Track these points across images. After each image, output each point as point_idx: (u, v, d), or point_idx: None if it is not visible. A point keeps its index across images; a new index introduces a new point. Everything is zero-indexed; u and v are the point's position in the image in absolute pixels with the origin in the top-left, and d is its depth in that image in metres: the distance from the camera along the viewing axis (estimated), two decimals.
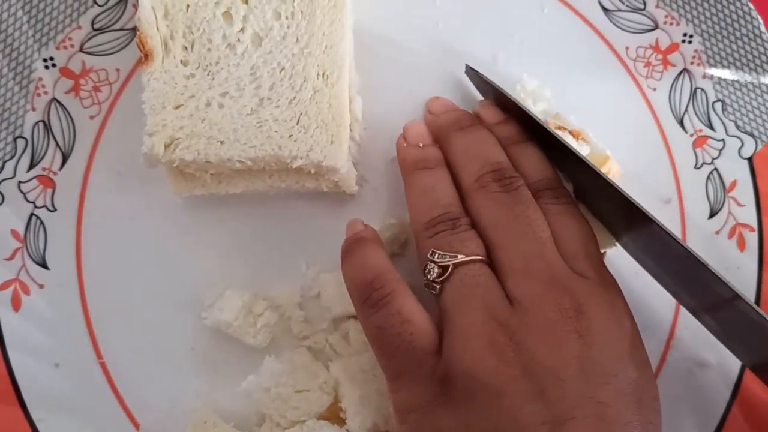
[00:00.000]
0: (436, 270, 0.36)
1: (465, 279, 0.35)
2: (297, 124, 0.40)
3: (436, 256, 0.36)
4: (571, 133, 0.43)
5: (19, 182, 0.44)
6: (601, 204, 0.41)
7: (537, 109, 0.45)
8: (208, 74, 0.40)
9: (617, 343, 0.34)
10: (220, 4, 0.41)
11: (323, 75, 0.41)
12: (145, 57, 0.40)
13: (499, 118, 0.43)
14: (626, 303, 0.37)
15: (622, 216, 0.39)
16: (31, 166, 0.45)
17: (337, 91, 0.41)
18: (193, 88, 0.40)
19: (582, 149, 0.42)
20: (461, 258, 0.35)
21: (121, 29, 0.46)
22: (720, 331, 0.40)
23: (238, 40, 0.41)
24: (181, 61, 0.40)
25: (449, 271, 0.35)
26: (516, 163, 0.40)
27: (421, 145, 0.42)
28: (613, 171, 0.45)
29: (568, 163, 0.41)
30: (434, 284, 0.36)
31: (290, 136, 0.40)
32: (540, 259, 0.35)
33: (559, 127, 0.43)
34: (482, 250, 0.36)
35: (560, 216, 0.38)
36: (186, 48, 0.41)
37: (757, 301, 0.47)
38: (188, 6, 0.41)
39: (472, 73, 0.44)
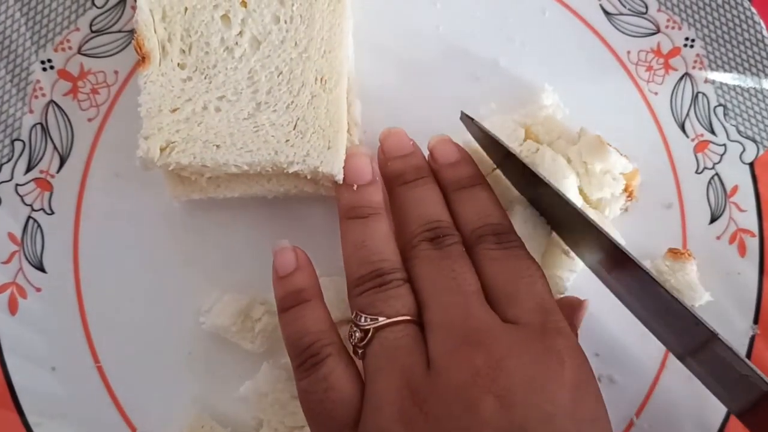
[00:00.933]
0: (357, 334, 0.34)
1: (385, 343, 0.33)
2: (294, 129, 0.40)
3: (360, 319, 0.34)
4: (616, 149, 0.43)
5: (17, 185, 0.44)
6: (584, 245, 0.40)
7: (558, 117, 0.45)
8: (205, 78, 0.40)
9: (547, 400, 0.30)
10: (218, 8, 0.40)
11: (321, 80, 0.40)
12: (142, 59, 0.39)
13: (453, 158, 0.41)
14: (576, 346, 0.33)
15: (604, 256, 0.39)
16: (29, 169, 0.44)
17: (335, 97, 0.40)
18: (190, 91, 0.40)
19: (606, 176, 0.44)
20: (382, 321, 0.33)
21: (119, 31, 0.45)
22: (704, 375, 0.38)
23: (236, 43, 0.40)
24: (178, 64, 0.40)
25: (369, 334, 0.34)
26: (460, 209, 0.39)
27: (354, 187, 0.39)
28: (636, 183, 0.46)
29: (557, 207, 0.40)
30: (357, 349, 0.34)
31: (287, 141, 0.39)
32: (461, 313, 0.33)
33: (601, 143, 0.43)
34: (411, 309, 0.34)
35: (500, 261, 0.36)
36: (183, 51, 0.40)
37: (758, 306, 0.46)
38: (186, 9, 0.40)
39: (468, 120, 0.42)
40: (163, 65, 0.40)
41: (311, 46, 0.40)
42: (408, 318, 0.34)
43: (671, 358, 0.45)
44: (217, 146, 0.39)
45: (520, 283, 0.35)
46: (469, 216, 0.38)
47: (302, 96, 0.40)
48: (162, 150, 0.39)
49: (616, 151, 0.44)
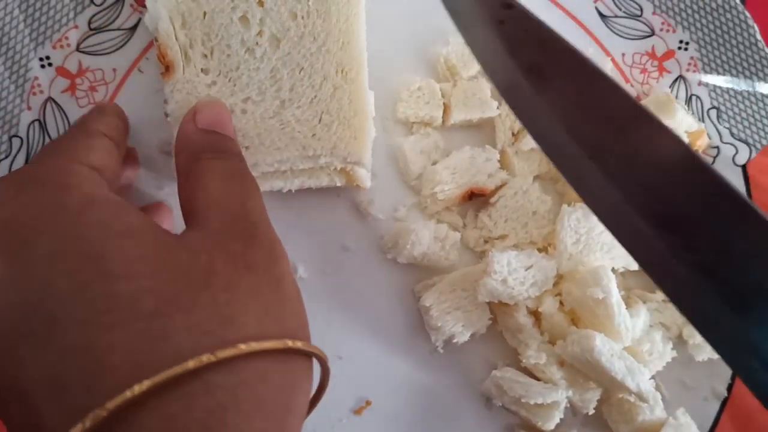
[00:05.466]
0: None
1: None
2: (319, 122, 0.40)
3: None
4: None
5: None
6: None
7: None
8: (229, 80, 0.40)
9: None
10: (236, 9, 0.40)
11: (342, 72, 0.41)
12: (166, 69, 0.39)
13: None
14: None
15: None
16: None
17: (356, 87, 0.41)
18: (216, 95, 0.40)
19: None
20: None
21: (118, 29, 0.45)
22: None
23: (257, 43, 0.41)
24: (201, 69, 0.40)
25: None
26: None
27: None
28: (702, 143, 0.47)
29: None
30: None
31: (313, 135, 0.40)
32: None
33: (669, 100, 0.45)
34: None
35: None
36: (206, 56, 0.40)
37: None
38: (205, 13, 0.40)
39: None
40: (187, 72, 0.40)
41: (330, 39, 0.41)
42: None
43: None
44: (246, 147, 0.39)
45: None
46: None
47: (324, 89, 0.41)
48: None
49: (684, 109, 0.45)
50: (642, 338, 0.45)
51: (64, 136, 0.38)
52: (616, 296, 0.42)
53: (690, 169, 0.29)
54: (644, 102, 0.47)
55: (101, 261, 0.27)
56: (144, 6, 0.45)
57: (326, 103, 0.41)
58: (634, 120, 0.31)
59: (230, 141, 0.37)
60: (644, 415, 0.43)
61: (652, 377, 0.45)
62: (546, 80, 0.33)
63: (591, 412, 0.44)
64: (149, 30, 0.41)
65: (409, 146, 0.46)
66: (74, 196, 0.30)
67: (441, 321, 0.44)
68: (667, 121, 0.44)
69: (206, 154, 0.35)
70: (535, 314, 0.45)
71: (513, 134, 0.47)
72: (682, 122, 0.46)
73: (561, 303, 0.45)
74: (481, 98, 0.47)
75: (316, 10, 0.41)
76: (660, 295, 0.46)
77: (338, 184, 0.43)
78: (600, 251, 0.44)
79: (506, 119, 0.47)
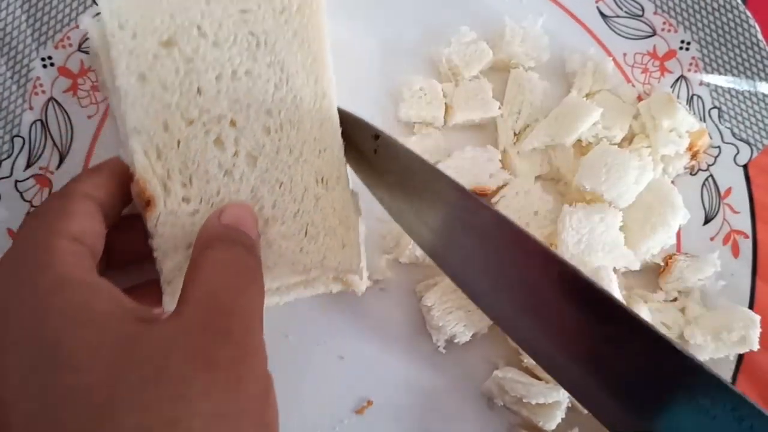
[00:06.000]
0: None
1: None
2: (305, 236, 0.39)
3: None
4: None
5: (16, 181, 0.44)
6: None
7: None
8: (211, 206, 0.39)
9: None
10: (209, 133, 0.39)
11: (322, 180, 0.40)
12: (147, 204, 0.38)
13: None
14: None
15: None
16: (28, 165, 0.44)
17: (338, 194, 0.40)
18: (200, 223, 0.38)
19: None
20: None
21: None
22: None
23: (234, 164, 0.39)
24: (182, 198, 0.39)
25: None
26: None
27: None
28: (703, 143, 0.47)
29: None
30: None
31: (301, 249, 0.39)
32: None
33: (670, 100, 0.45)
34: None
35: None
36: (185, 185, 0.39)
37: (750, 306, 0.47)
38: (179, 142, 0.39)
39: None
40: (168, 203, 0.38)
41: (306, 149, 0.40)
42: None
43: None
44: None
45: None
46: None
47: (307, 201, 0.40)
48: None
49: (685, 109, 0.45)
50: None
51: (46, 202, 0.37)
52: (617, 296, 0.42)
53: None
54: (646, 102, 0.47)
55: (58, 350, 0.28)
56: None
57: (310, 215, 0.39)
58: (501, 234, 0.38)
59: (246, 236, 0.36)
60: None
61: None
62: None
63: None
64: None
65: (411, 146, 0.46)
66: (48, 278, 0.30)
67: (442, 321, 0.44)
68: (668, 121, 0.45)
69: (217, 243, 0.34)
70: None
71: (515, 134, 0.47)
72: (683, 122, 0.46)
73: None
74: (483, 98, 0.47)
75: (289, 121, 0.40)
76: (661, 295, 0.47)
77: (334, 291, 0.42)
78: (602, 251, 0.44)
79: (508, 119, 0.47)
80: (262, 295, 0.34)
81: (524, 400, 0.43)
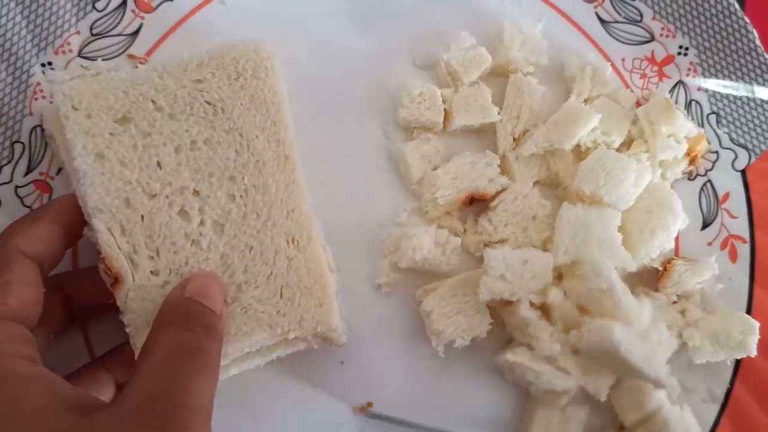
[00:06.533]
0: None
1: None
2: (281, 298, 0.39)
3: None
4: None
5: (16, 187, 0.44)
6: None
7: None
8: (181, 277, 0.38)
9: None
10: (173, 205, 0.39)
11: (293, 241, 0.40)
12: (116, 281, 0.37)
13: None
14: None
15: None
16: (28, 171, 0.44)
17: (311, 253, 0.40)
18: None
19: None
20: None
21: (119, 34, 0.46)
22: None
23: (201, 233, 0.39)
24: (151, 271, 0.38)
25: None
26: None
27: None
28: (701, 149, 0.48)
29: None
30: None
31: (278, 312, 0.39)
32: None
33: (669, 105, 0.46)
34: None
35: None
36: (152, 257, 0.38)
37: (748, 311, 0.47)
38: (143, 216, 0.38)
39: None
40: (137, 278, 0.38)
41: (273, 212, 0.40)
42: None
43: None
44: None
45: None
46: None
47: (279, 263, 0.39)
48: None
49: (683, 115, 0.46)
50: (649, 329, 0.45)
51: None
52: (619, 284, 0.42)
53: None
54: (644, 107, 0.47)
55: None
56: (146, 11, 0.46)
57: (284, 277, 0.39)
58: None
59: (208, 313, 0.35)
60: (654, 403, 0.44)
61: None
62: None
63: (603, 399, 0.44)
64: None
65: (410, 151, 0.47)
66: None
67: (442, 325, 0.44)
68: (666, 126, 0.45)
69: (174, 320, 0.33)
70: (542, 308, 0.45)
71: (514, 139, 0.48)
72: (681, 127, 0.46)
73: (565, 294, 0.45)
74: (482, 104, 0.47)
75: (254, 186, 0.40)
76: (661, 295, 0.47)
77: (315, 347, 0.42)
78: (597, 248, 0.44)
79: (507, 124, 0.47)
80: (213, 381, 0.32)
81: (531, 388, 0.44)
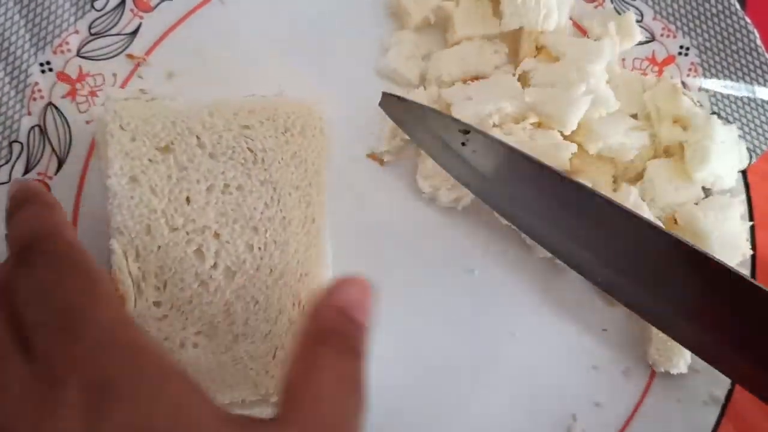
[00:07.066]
0: None
1: None
2: (273, 358, 0.39)
3: None
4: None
5: None
6: None
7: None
8: (181, 314, 0.38)
9: None
10: (191, 242, 0.39)
11: (299, 305, 0.39)
12: None
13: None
14: None
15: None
16: (27, 171, 0.44)
17: None
18: (167, 329, 0.38)
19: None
20: None
21: (118, 34, 0.45)
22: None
23: (211, 276, 0.39)
24: (154, 302, 0.38)
25: None
26: None
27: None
28: None
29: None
30: None
31: (266, 371, 0.39)
32: None
33: (675, 90, 0.46)
34: None
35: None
36: (158, 288, 0.38)
37: None
38: (159, 247, 0.38)
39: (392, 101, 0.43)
40: (139, 305, 0.38)
41: (287, 272, 0.39)
42: None
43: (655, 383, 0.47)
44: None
45: None
46: None
47: (280, 324, 0.39)
48: None
49: (690, 99, 0.46)
50: None
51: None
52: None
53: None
54: (650, 91, 0.47)
55: None
56: (144, 10, 0.46)
57: (281, 338, 0.39)
58: (602, 213, 0.40)
59: (362, 335, 0.31)
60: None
61: None
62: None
63: None
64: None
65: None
66: None
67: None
68: (673, 111, 0.45)
69: (333, 341, 0.30)
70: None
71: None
72: (688, 112, 0.46)
73: None
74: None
75: (274, 242, 0.39)
76: None
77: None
78: None
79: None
80: (365, 412, 0.30)
81: None
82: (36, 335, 0.28)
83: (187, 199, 0.39)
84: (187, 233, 0.39)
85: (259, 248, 0.39)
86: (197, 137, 0.39)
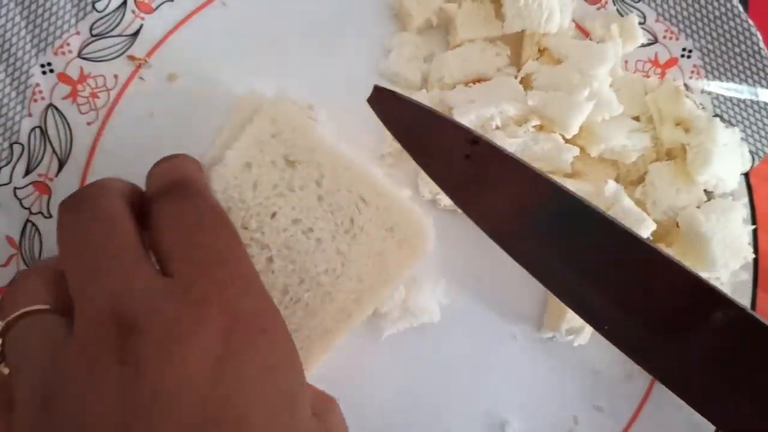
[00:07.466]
0: None
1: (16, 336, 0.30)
2: None
3: None
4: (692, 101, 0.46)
5: (15, 188, 0.44)
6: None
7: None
8: None
9: (183, 361, 0.26)
10: (248, 247, 0.39)
11: None
12: None
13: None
14: (226, 303, 0.28)
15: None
16: (27, 172, 0.44)
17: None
18: None
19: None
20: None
21: (119, 35, 0.45)
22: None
23: None
24: None
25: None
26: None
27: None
28: None
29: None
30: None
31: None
32: (103, 278, 0.29)
33: (678, 92, 0.46)
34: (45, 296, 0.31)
35: (168, 215, 0.32)
36: None
37: None
38: None
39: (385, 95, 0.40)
40: None
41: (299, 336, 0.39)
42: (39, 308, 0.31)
43: (656, 387, 0.47)
44: None
45: (181, 232, 0.31)
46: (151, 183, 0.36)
47: None
48: None
49: (693, 102, 0.46)
50: None
51: None
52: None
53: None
54: (652, 94, 0.47)
55: None
56: (146, 12, 0.45)
57: None
58: (605, 233, 0.38)
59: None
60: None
61: None
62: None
63: None
64: None
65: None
66: None
67: None
68: (675, 113, 0.45)
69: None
70: None
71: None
72: (690, 114, 0.46)
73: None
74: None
75: (306, 306, 0.39)
76: None
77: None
78: None
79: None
80: (234, 237, 0.32)
81: None
82: (175, 254, 0.30)
83: (272, 215, 0.39)
84: (251, 239, 0.39)
85: (286, 307, 0.39)
86: (321, 175, 0.39)
